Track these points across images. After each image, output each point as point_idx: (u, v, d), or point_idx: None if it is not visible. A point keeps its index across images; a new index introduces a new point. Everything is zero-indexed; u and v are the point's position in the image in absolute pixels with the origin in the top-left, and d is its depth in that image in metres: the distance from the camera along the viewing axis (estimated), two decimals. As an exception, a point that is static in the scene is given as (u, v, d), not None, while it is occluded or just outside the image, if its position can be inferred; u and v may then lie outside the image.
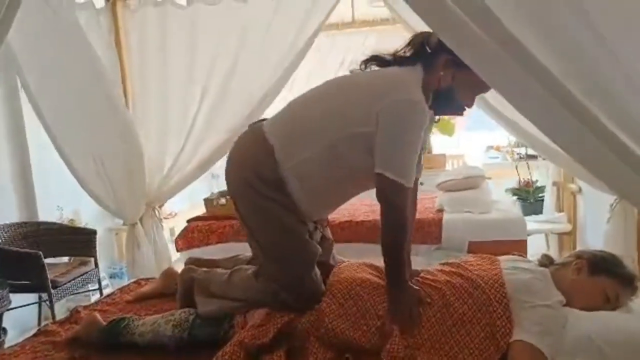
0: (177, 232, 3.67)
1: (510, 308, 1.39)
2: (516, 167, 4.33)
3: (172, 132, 2.96)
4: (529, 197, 4.11)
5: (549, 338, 1.30)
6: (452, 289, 1.48)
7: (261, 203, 1.52)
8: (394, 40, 4.29)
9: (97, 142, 2.70)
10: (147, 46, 2.91)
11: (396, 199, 1.44)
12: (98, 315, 1.70)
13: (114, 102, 2.73)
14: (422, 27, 2.54)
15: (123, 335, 1.59)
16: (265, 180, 1.51)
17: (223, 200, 3.43)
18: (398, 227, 1.47)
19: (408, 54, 1.54)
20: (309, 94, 1.60)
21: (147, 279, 2.31)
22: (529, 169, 4.25)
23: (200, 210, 3.88)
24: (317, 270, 1.58)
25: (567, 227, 3.59)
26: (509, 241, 2.73)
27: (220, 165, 4.69)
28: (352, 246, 2.70)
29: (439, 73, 1.49)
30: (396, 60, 1.55)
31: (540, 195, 4.11)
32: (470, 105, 1.56)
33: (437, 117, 1.60)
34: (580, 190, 3.56)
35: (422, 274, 1.59)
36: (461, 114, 1.63)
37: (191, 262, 1.93)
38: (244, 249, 1.86)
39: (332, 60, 4.52)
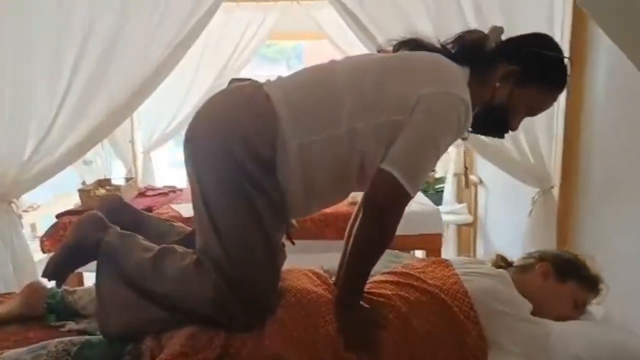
0: (40, 228, 3.17)
1: (480, 322, 1.20)
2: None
3: (35, 109, 2.37)
4: (429, 189, 4.10)
5: (536, 358, 1.12)
6: (408, 304, 1.24)
7: (241, 185, 1.15)
8: (297, 20, 4.04)
9: None
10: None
11: (393, 207, 1.15)
12: None
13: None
14: (354, 5, 2.34)
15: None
16: (256, 157, 1.14)
17: (102, 191, 2.91)
18: (380, 242, 1.18)
19: (453, 52, 1.27)
20: (336, 64, 1.28)
21: (3, 295, 1.78)
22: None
23: (70, 202, 3.33)
24: (280, 283, 1.26)
25: (469, 218, 3.62)
26: (426, 234, 2.62)
27: (95, 151, 4.18)
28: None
29: (494, 84, 1.24)
30: (443, 52, 1.28)
31: (439, 186, 4.12)
32: (514, 129, 1.32)
33: (466, 134, 1.30)
34: (480, 181, 3.60)
35: (365, 288, 1.33)
36: (502, 137, 1.38)
37: (113, 207, 1.45)
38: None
39: (228, 38, 4.08)
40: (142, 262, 1.23)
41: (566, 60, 1.28)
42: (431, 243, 2.68)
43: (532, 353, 1.14)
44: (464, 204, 3.75)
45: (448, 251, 3.75)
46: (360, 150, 1.17)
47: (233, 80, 1.31)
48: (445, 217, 3.63)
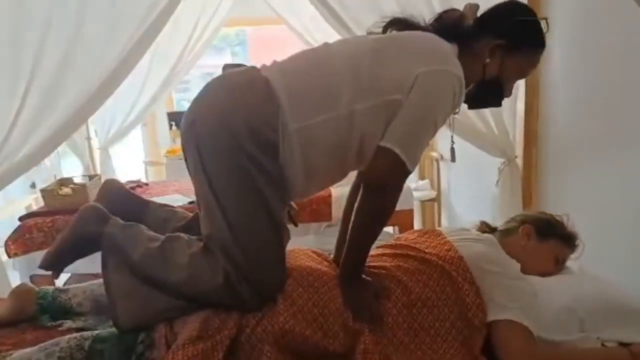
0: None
1: (476, 283, 1.28)
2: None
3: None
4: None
5: (530, 313, 1.22)
6: (407, 273, 1.32)
7: (246, 168, 1.16)
8: (254, 7, 4.00)
9: None
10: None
11: (393, 183, 1.20)
12: None
13: None
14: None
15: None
16: (259, 141, 1.16)
17: (67, 190, 2.82)
18: (381, 217, 1.24)
19: (439, 30, 1.31)
20: (331, 47, 1.30)
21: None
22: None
23: (21, 206, 3.26)
24: (287, 263, 1.29)
25: (432, 194, 3.75)
26: (399, 211, 2.68)
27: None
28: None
29: (484, 60, 1.29)
30: (432, 31, 1.31)
31: (401, 164, 4.22)
32: (510, 95, 1.39)
33: (457, 109, 1.33)
34: (442, 157, 3.73)
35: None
36: (500, 105, 1.43)
37: (114, 196, 1.45)
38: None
39: (182, 27, 3.98)
40: (149, 252, 1.23)
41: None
42: (403, 219, 2.78)
43: (526, 305, 1.23)
44: (427, 180, 3.88)
45: (414, 226, 3.87)
46: (359, 130, 1.20)
47: (227, 66, 1.32)
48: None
